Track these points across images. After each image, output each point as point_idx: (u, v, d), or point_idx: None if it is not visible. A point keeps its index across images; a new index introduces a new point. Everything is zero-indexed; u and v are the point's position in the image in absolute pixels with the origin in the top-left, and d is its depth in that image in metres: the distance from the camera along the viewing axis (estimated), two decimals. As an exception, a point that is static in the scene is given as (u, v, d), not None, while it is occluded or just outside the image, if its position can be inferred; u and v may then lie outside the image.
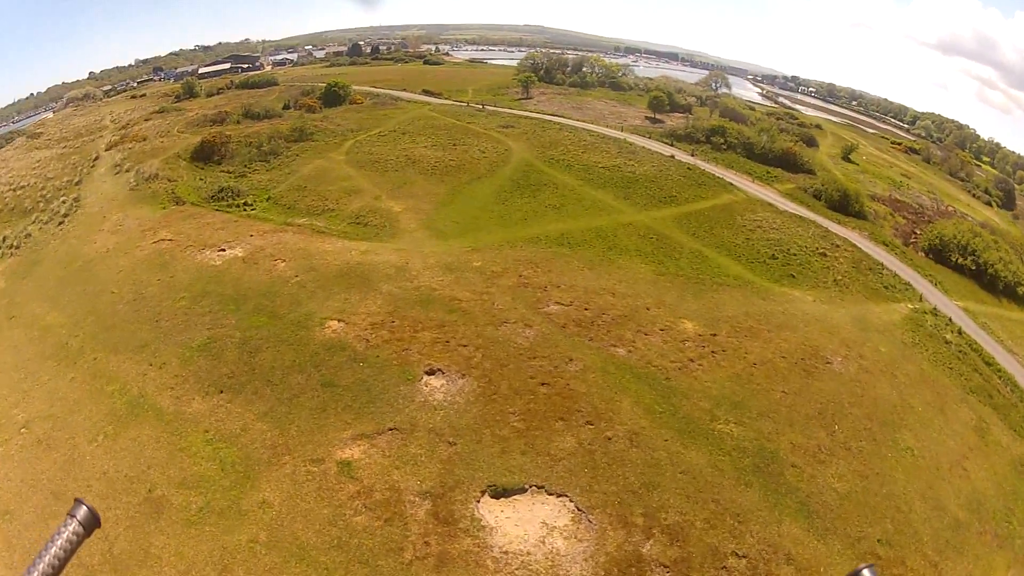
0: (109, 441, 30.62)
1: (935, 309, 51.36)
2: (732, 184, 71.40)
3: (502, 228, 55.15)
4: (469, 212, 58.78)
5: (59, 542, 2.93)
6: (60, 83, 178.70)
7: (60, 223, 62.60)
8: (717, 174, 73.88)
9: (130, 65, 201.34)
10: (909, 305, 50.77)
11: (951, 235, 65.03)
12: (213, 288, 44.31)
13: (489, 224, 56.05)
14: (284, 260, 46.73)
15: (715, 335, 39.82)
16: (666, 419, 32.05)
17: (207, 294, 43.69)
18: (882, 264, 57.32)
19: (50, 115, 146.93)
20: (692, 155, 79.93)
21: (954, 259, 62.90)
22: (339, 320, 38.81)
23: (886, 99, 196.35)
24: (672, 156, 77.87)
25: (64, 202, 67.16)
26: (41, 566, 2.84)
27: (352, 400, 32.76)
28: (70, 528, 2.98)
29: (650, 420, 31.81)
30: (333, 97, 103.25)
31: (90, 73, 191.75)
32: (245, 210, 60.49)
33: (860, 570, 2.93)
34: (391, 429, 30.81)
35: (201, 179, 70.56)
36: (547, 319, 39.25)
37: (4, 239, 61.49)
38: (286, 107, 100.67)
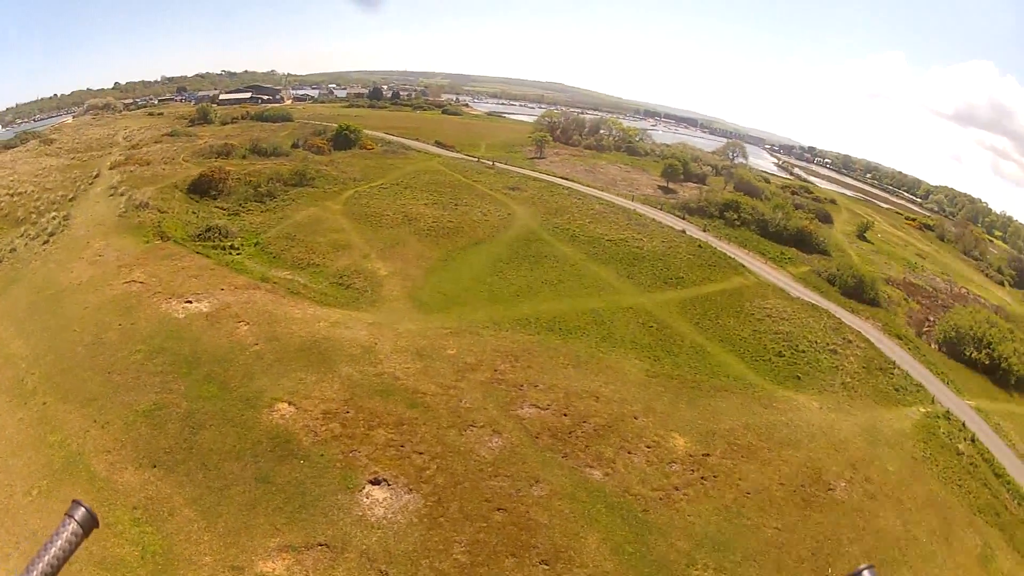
0: (42, 498, 29.11)
1: (948, 412, 47.94)
2: (744, 266, 68.18)
3: (490, 304, 52.20)
4: (459, 282, 55.98)
5: (58, 543, 2.88)
6: (85, 88, 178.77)
7: (45, 241, 60.46)
8: (729, 253, 70.70)
9: (155, 81, 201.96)
10: (921, 409, 47.41)
11: (967, 326, 61.76)
12: (170, 345, 41.57)
13: (477, 299, 53.14)
14: (248, 323, 43.75)
15: (708, 455, 35.96)
16: (635, 562, 28.44)
17: (163, 351, 41.01)
18: (894, 363, 53.46)
19: (69, 119, 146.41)
20: (704, 231, 77.07)
21: (968, 353, 59.75)
22: (289, 403, 35.58)
23: (900, 172, 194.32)
24: (683, 231, 74.82)
25: (54, 218, 64.92)
26: (40, 566, 2.79)
27: (284, 502, 29.52)
28: (68, 529, 2.93)
29: (617, 563, 28.19)
30: (343, 140, 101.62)
31: (115, 83, 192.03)
32: (231, 253, 58.23)
33: (860, 571, 2.84)
34: (321, 544, 27.49)
35: (193, 213, 68.52)
36: (519, 425, 35.73)
37: None
38: (295, 145, 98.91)
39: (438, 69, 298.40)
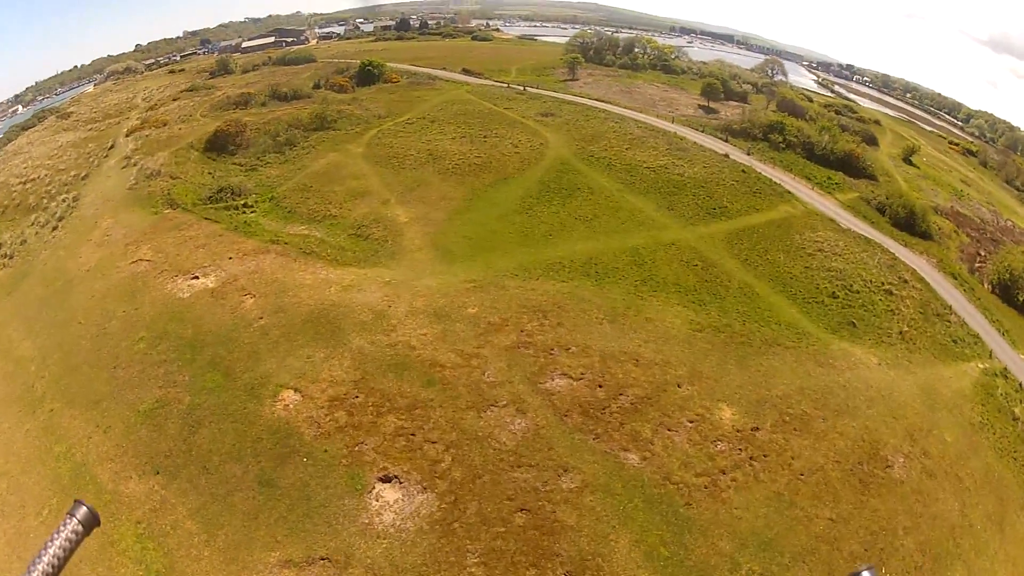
0: (52, 517, 27.79)
1: (1005, 370, 42.03)
2: (790, 192, 60.95)
3: (520, 247, 46.95)
4: (486, 224, 50.70)
5: (59, 541, 2.90)
6: (106, 55, 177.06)
7: (55, 227, 58.16)
8: (775, 179, 63.45)
9: (178, 37, 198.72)
10: (979, 365, 41.58)
11: (1021, 268, 55.09)
12: (173, 328, 38.60)
13: (505, 242, 47.86)
14: (254, 295, 39.94)
15: (757, 429, 30.59)
16: (671, 569, 23.94)
17: (166, 336, 38.17)
18: (951, 308, 47.16)
19: (90, 88, 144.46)
20: (748, 154, 70.15)
21: (1022, 298, 53.56)
22: (295, 390, 31.79)
23: (940, 94, 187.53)
24: (726, 155, 67.70)
25: (64, 201, 62.40)
26: (41, 565, 2.82)
27: (288, 510, 26.29)
28: (69, 527, 2.94)
29: (650, 570, 23.70)
30: (367, 76, 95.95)
31: (136, 45, 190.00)
32: (244, 212, 54.69)
33: (860, 571, 2.80)
34: (322, 559, 24.33)
35: (209, 173, 64.78)
36: (547, 401, 30.81)
37: (0, 246, 57.38)
38: (316, 87, 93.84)
39: None
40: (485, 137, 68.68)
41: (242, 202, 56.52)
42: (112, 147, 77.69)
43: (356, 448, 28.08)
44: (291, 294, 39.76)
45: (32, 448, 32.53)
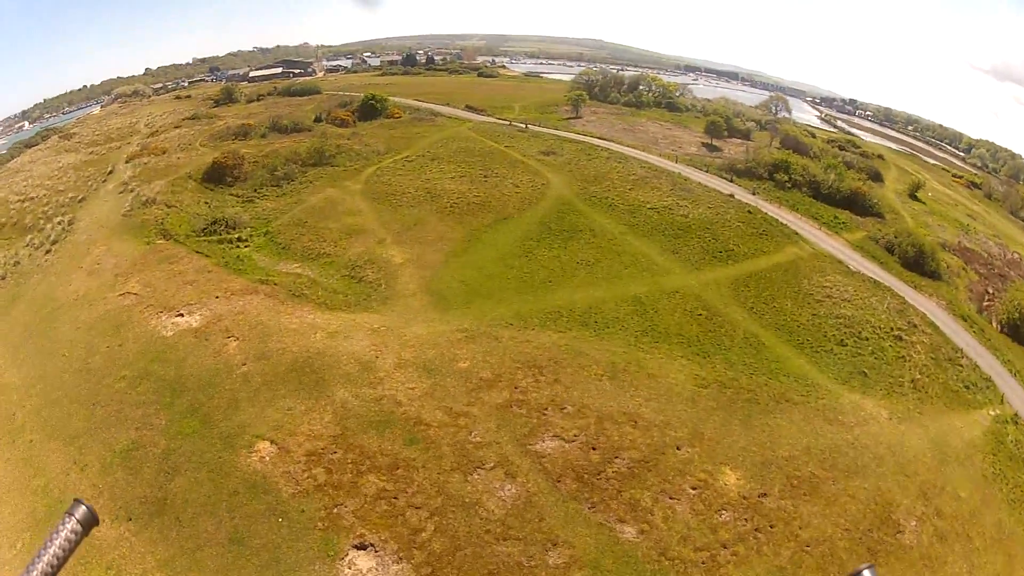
0: (25, 552, 27.72)
1: (1016, 416, 41.02)
2: (797, 233, 60.05)
3: (518, 294, 46.01)
4: (483, 267, 49.86)
5: (58, 541, 2.87)
6: (115, 76, 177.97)
7: (48, 250, 57.77)
8: (781, 219, 62.71)
9: (187, 63, 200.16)
10: (991, 412, 40.46)
11: None
12: (155, 369, 37.89)
13: (503, 287, 46.99)
14: (238, 338, 39.02)
15: (765, 495, 29.38)
16: None
17: (147, 376, 37.48)
18: (962, 352, 45.95)
19: (96, 110, 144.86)
20: (753, 193, 69.42)
21: None
22: (272, 442, 30.81)
23: (941, 125, 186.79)
24: (731, 195, 67.01)
25: (59, 223, 61.86)
26: (40, 565, 2.79)
27: (256, 572, 25.29)
28: (68, 527, 2.91)
29: None
30: (369, 111, 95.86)
31: (146, 69, 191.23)
32: (238, 246, 54.15)
33: (861, 570, 2.79)
34: (288, 635, 22.87)
35: (206, 203, 64.23)
36: (537, 465, 29.64)
37: None
38: (317, 120, 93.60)
39: (474, 31, 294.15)
40: (485, 176, 68.05)
41: (236, 235, 55.94)
42: (111, 172, 77.36)
43: (334, 510, 26.98)
44: (276, 339, 38.80)
45: (11, 478, 32.37)
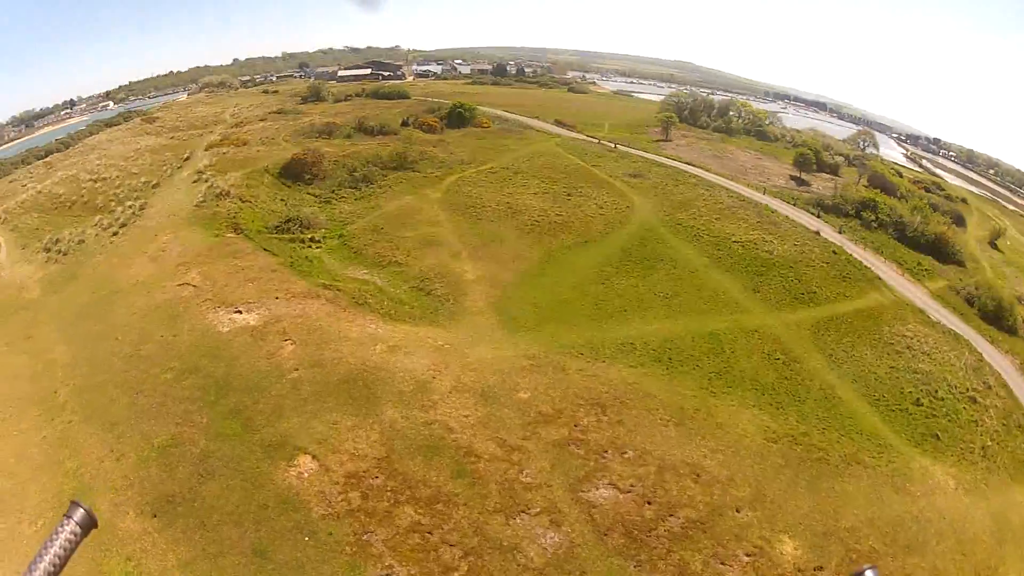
0: (47, 529, 27.88)
1: None
2: (880, 278, 57.63)
3: (591, 322, 45.25)
4: (558, 291, 49.32)
5: (58, 543, 2.96)
6: (203, 65, 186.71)
7: (116, 233, 60.39)
8: (865, 262, 60.41)
9: (276, 57, 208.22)
10: None
11: None
12: (205, 364, 38.86)
13: (576, 313, 46.28)
14: (294, 343, 39.57)
15: (820, 569, 27.31)
16: None
17: (196, 371, 38.47)
18: None
19: (183, 97, 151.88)
20: (840, 232, 67.89)
21: None
22: (313, 457, 30.81)
23: (1019, 170, 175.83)
24: (817, 232, 65.15)
25: (130, 207, 64.66)
26: (41, 566, 2.86)
27: (276, 588, 24.87)
28: (67, 529, 3.01)
29: None
30: (457, 119, 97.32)
31: (234, 60, 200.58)
32: (310, 247, 55.61)
33: (863, 570, 2.91)
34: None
35: (282, 200, 66.10)
36: (586, 515, 28.51)
37: (57, 241, 60.07)
38: (404, 124, 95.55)
39: (567, 46, 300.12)
40: (569, 195, 68.02)
41: (310, 235, 57.21)
42: (188, 159, 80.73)
43: (364, 537, 26.62)
44: (333, 347, 39.18)
45: (45, 456, 33.51)
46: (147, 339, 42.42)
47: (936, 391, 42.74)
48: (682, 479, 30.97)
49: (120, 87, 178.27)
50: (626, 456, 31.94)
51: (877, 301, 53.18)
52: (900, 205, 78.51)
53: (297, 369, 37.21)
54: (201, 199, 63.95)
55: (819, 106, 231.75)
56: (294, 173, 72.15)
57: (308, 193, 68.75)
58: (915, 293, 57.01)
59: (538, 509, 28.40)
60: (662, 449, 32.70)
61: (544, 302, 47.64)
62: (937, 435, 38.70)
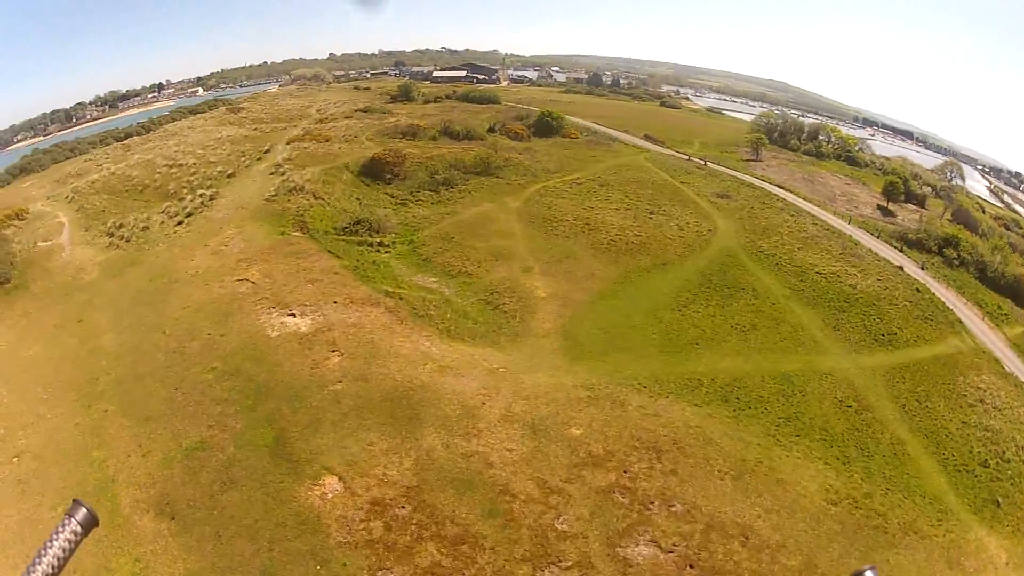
0: (61, 517, 27.83)
1: None
2: (961, 322, 53.80)
3: (660, 353, 43.14)
4: (629, 316, 47.45)
5: (59, 542, 2.96)
6: (298, 57, 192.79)
7: (181, 222, 61.82)
8: (948, 302, 56.74)
9: (373, 54, 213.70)
10: None
11: None
12: (248, 368, 39.11)
13: (646, 342, 44.30)
14: (342, 353, 39.14)
15: None
16: None
17: (237, 373, 38.74)
18: None
19: (274, 88, 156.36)
20: (922, 268, 64.51)
21: None
22: (340, 478, 30.04)
23: None
24: (900, 268, 61.84)
25: (201, 196, 66.14)
26: (41, 567, 2.87)
27: (281, 614, 24.17)
28: (68, 528, 3.01)
29: None
30: (544, 127, 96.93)
31: (330, 54, 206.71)
32: (377, 251, 55.95)
33: (863, 571, 2.89)
34: None
35: (357, 199, 66.62)
36: (620, 573, 26.73)
37: (120, 226, 61.87)
38: (491, 130, 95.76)
39: (663, 59, 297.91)
40: (651, 212, 66.28)
41: (379, 239, 57.30)
42: (267, 152, 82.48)
43: (379, 573, 25.50)
44: (381, 362, 38.52)
45: (74, 443, 34.77)
46: (195, 335, 43.13)
47: (1004, 452, 39.56)
48: (730, 541, 28.62)
49: (212, 74, 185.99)
50: (673, 510, 29.78)
51: (956, 347, 49.46)
52: (981, 243, 75.39)
53: (340, 381, 36.76)
54: (273, 193, 64.93)
55: (906, 134, 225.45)
56: (374, 172, 72.82)
57: (385, 193, 69.21)
58: (993, 340, 53.09)
59: (570, 563, 26.61)
60: (714, 505, 30.39)
61: (613, 327, 45.92)
62: (998, 501, 35.48)
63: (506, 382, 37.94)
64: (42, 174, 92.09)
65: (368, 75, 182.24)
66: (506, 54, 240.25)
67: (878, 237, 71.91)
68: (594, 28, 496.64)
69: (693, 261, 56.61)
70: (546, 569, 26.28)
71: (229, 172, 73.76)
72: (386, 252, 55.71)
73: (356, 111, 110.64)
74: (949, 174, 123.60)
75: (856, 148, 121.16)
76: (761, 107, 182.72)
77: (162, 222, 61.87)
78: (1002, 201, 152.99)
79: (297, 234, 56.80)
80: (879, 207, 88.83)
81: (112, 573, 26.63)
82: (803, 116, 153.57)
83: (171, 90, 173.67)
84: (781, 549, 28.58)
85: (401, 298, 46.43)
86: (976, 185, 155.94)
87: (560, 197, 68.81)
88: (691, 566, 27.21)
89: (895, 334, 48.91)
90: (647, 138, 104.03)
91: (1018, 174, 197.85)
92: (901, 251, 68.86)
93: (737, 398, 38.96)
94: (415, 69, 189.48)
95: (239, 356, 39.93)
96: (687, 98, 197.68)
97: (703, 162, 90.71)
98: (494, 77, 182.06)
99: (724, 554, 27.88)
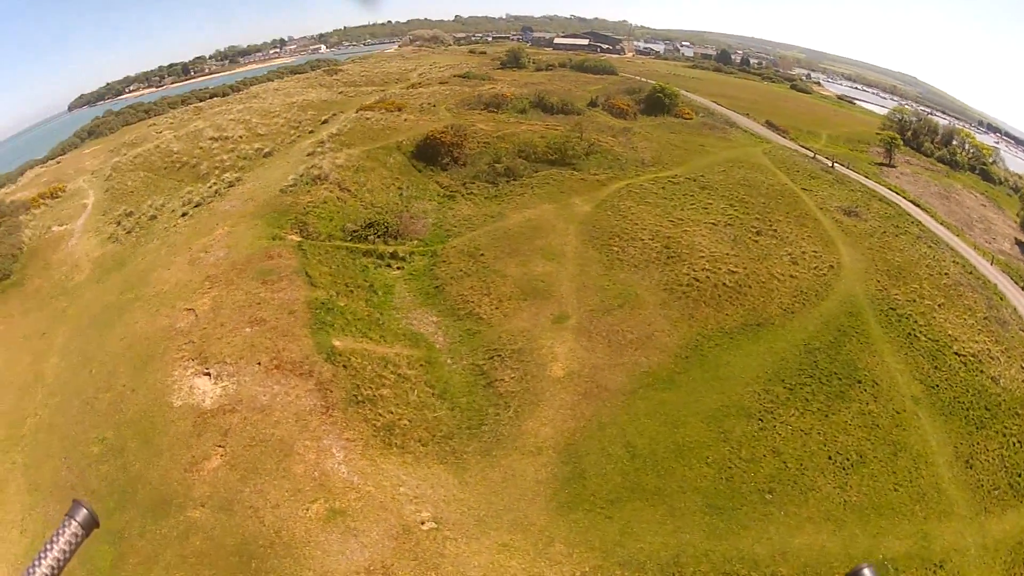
0: None
1: None
2: None
3: (703, 509, 26.07)
4: (681, 425, 30.24)
5: (59, 543, 2.92)
6: (423, 18, 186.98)
7: (184, 214, 53.26)
8: None
9: (500, 18, 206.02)
10: None
11: None
12: (131, 450, 29.82)
13: (689, 484, 27.15)
14: (225, 455, 27.92)
15: None
16: None
17: (120, 454, 29.81)
18: None
19: (391, 49, 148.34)
20: None
21: None
22: None
23: None
24: None
25: (220, 183, 56.78)
26: (41, 567, 2.83)
27: None
28: (69, 529, 2.97)
29: None
30: (655, 104, 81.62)
31: (456, 16, 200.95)
32: (389, 265, 44.49)
33: (860, 569, 2.90)
34: None
35: (398, 188, 54.60)
36: None
37: (130, 215, 54.52)
38: (592, 104, 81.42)
39: (795, 42, 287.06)
40: (758, 232, 48.36)
41: (392, 249, 45.78)
42: (325, 122, 72.42)
43: None
44: (258, 484, 26.21)
45: None
46: (111, 384, 34.49)
47: None
48: None
49: (335, 31, 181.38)
50: None
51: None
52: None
53: (203, 505, 25.64)
54: (291, 183, 53.28)
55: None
56: (428, 154, 60.29)
57: (436, 181, 56.83)
58: None
59: None
60: None
61: (648, 447, 29.00)
62: None
63: (426, 554, 23.76)
64: (109, 138, 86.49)
65: (490, 39, 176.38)
66: (636, 25, 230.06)
67: (1021, 285, 51.93)
68: (727, 4, 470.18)
69: (801, 322, 38.16)
70: None
71: (267, 150, 63.53)
72: (398, 268, 44.01)
73: (455, 76, 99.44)
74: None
75: (990, 160, 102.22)
76: (892, 100, 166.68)
77: (172, 211, 53.06)
78: None
79: (293, 238, 45.15)
80: (1017, 242, 67.09)
81: None
82: (932, 114, 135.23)
83: (293, 46, 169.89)
84: None
85: (346, 366, 32.97)
86: None
87: (644, 202, 52.24)
88: None
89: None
90: (769, 125, 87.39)
91: None
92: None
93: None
94: (537, 35, 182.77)
95: (131, 429, 30.54)
96: (818, 83, 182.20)
97: (831, 163, 72.33)
98: (618, 48, 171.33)
99: None
